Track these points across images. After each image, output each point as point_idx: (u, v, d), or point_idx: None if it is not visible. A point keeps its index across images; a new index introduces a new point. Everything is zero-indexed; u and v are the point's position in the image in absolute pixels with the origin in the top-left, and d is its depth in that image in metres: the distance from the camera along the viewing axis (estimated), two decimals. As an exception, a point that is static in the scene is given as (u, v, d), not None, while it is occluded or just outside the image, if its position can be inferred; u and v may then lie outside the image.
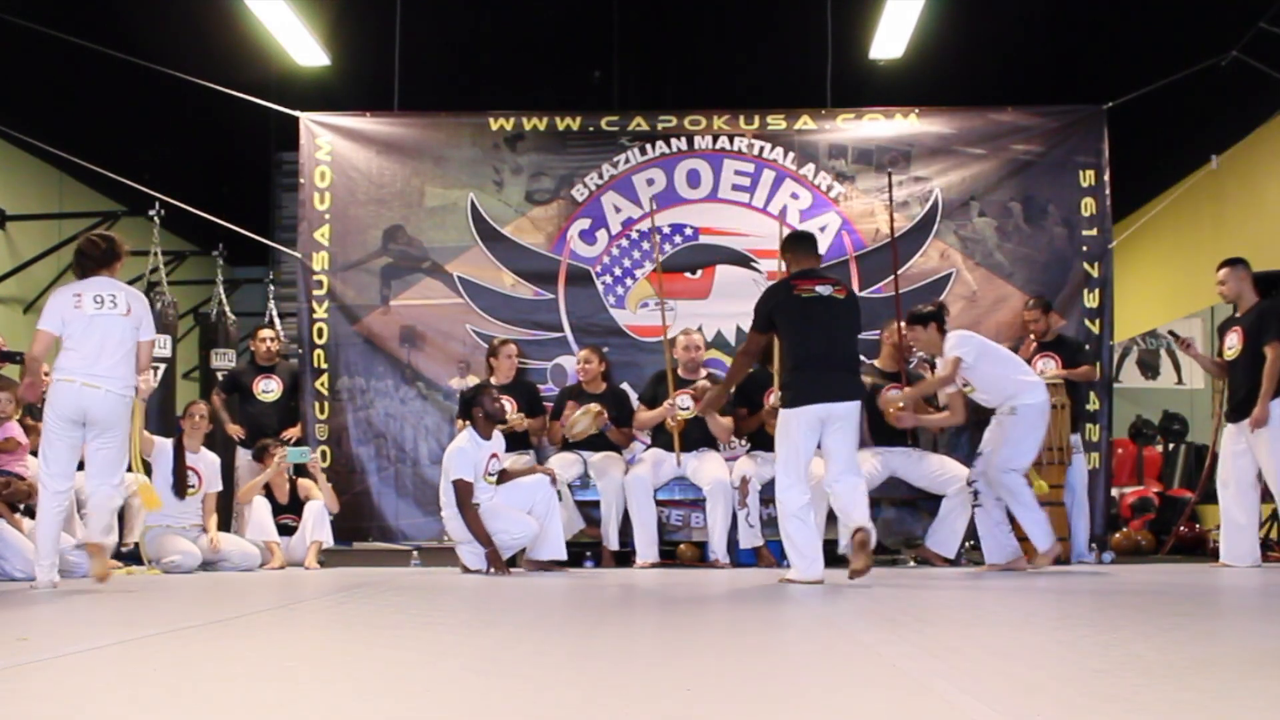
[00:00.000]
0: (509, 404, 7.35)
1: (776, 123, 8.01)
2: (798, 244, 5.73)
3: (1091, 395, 7.70)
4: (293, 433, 7.70)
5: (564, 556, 6.57)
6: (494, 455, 6.45)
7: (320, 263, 7.90)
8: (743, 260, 7.93)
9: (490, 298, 7.87)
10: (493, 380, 7.47)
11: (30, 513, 6.41)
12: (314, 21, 7.83)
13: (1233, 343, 6.75)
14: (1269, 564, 7.14)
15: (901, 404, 6.86)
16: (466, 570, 6.41)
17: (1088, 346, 7.68)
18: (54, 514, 5.26)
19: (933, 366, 7.37)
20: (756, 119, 8.02)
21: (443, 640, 3.10)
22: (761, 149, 7.99)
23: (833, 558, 6.91)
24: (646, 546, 6.92)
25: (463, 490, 6.23)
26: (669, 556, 7.48)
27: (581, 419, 7.00)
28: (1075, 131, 7.94)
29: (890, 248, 7.59)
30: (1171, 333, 7.53)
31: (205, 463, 7.13)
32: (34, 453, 6.99)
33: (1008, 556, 6.28)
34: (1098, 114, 7.92)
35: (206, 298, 10.55)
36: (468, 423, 6.47)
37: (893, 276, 7.43)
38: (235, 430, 7.75)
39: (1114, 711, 1.93)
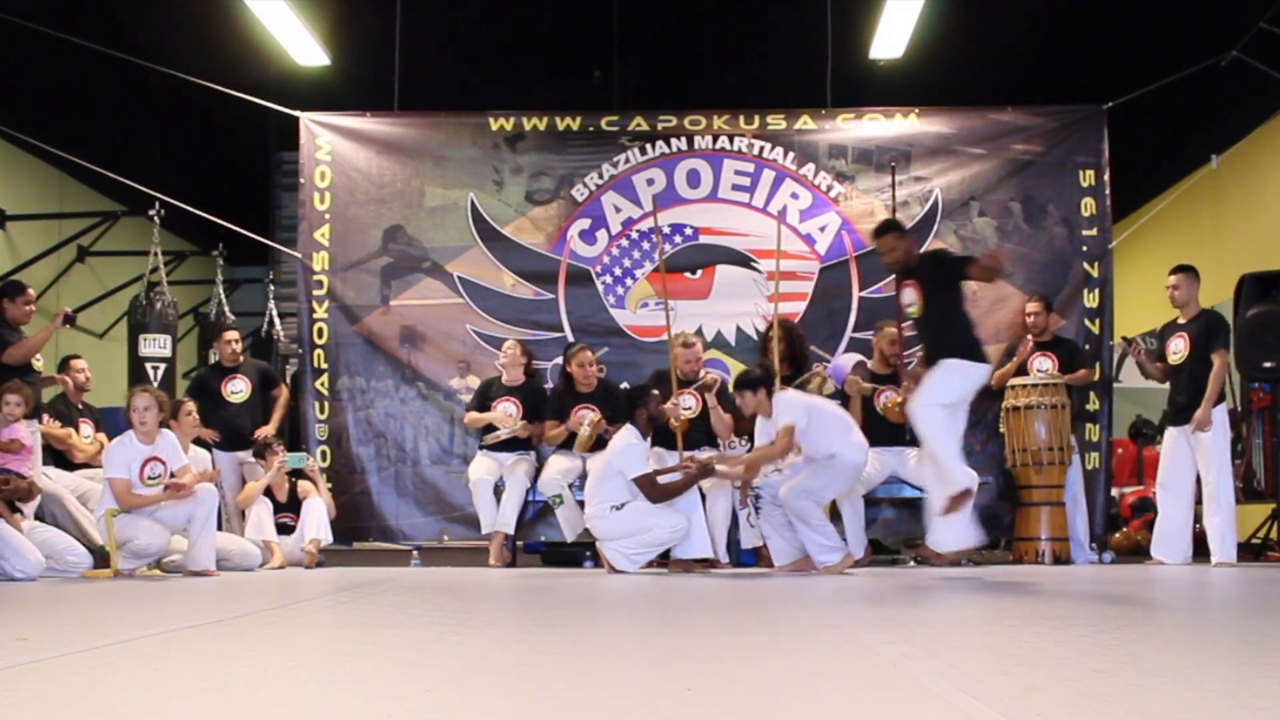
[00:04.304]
0: (513, 406, 7.33)
1: (776, 123, 8.01)
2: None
3: (1091, 395, 7.71)
4: (265, 431, 7.64)
5: (710, 554, 6.51)
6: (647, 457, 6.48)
7: (320, 263, 7.90)
8: (743, 260, 7.93)
9: (490, 298, 7.87)
10: (502, 380, 7.45)
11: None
12: (314, 21, 7.83)
13: (1178, 348, 6.92)
14: (1268, 564, 7.15)
15: (901, 399, 6.88)
16: (613, 570, 6.35)
17: (1087, 347, 7.69)
18: None
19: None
20: (756, 119, 8.02)
21: (443, 640, 3.10)
22: (761, 149, 7.99)
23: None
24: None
25: (646, 481, 6.27)
26: (668, 556, 7.47)
27: (584, 432, 7.02)
28: (1075, 131, 7.94)
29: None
30: (1124, 337, 7.64)
31: (197, 460, 7.13)
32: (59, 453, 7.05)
33: (793, 557, 6.26)
34: (1098, 114, 7.93)
35: (206, 298, 10.56)
36: (628, 423, 6.45)
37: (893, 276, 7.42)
38: (208, 434, 7.68)
39: (1114, 711, 1.93)
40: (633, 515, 6.31)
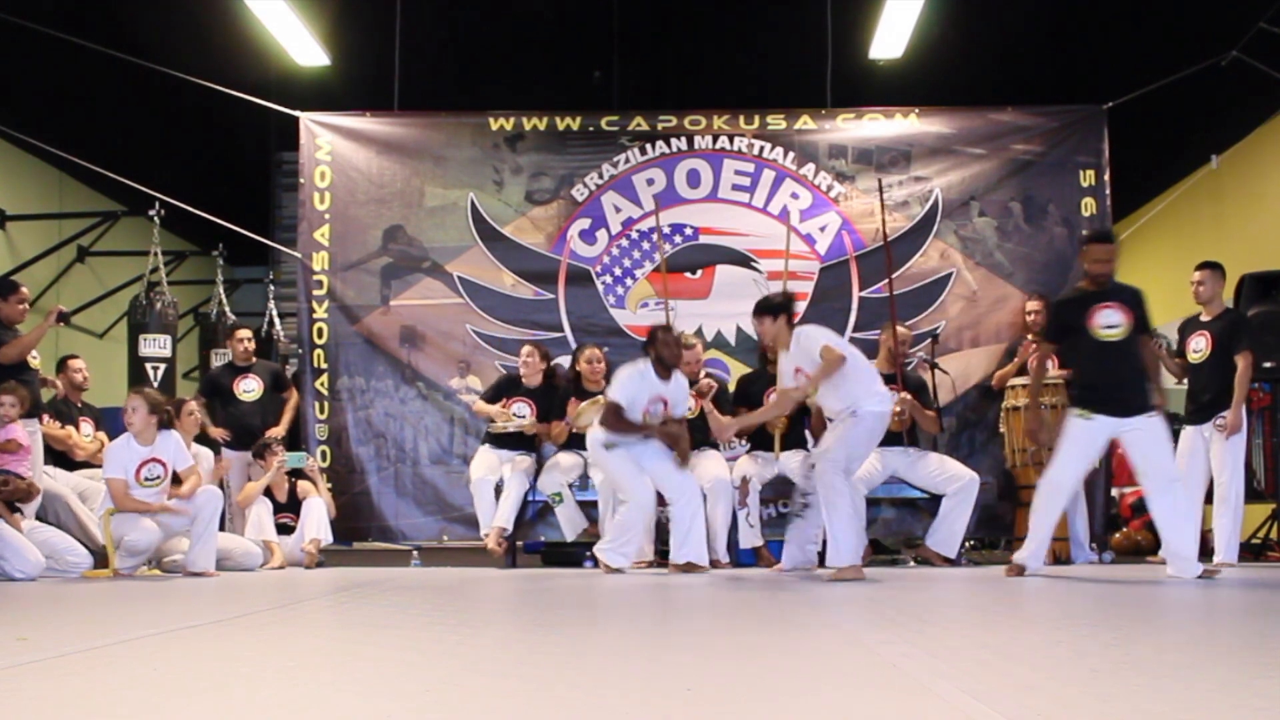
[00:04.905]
0: (527, 408, 7.28)
1: (776, 123, 8.02)
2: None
3: (1091, 395, 7.69)
4: (277, 431, 7.65)
5: (704, 562, 6.32)
6: (661, 399, 6.18)
7: (320, 263, 7.90)
8: (743, 260, 7.93)
9: (490, 298, 7.87)
10: (521, 380, 7.41)
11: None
12: (314, 21, 7.83)
13: (1199, 346, 6.82)
14: (1268, 564, 7.15)
15: (898, 408, 6.88)
16: (610, 569, 6.24)
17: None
18: None
19: (933, 367, 7.37)
20: (756, 119, 8.02)
21: (443, 640, 3.10)
22: (761, 149, 8.00)
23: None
24: (646, 546, 6.89)
25: (612, 408, 6.09)
26: (668, 556, 7.48)
27: (587, 411, 6.98)
28: (1075, 131, 7.95)
29: (893, 246, 7.62)
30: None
31: (201, 458, 7.15)
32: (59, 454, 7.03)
33: (803, 565, 6.16)
34: (1098, 114, 7.94)
35: (206, 298, 10.57)
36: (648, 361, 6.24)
37: (890, 278, 7.43)
38: (219, 433, 7.69)
39: (1114, 711, 1.93)
40: (617, 464, 6.19)
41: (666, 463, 6.31)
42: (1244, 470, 6.83)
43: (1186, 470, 6.85)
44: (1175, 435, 7.42)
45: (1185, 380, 7.04)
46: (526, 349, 7.41)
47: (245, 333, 7.94)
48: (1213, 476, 6.76)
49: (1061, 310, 5.80)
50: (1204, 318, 6.88)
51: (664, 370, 6.21)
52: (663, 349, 6.20)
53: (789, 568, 6.21)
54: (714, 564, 6.92)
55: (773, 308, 5.84)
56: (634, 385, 6.18)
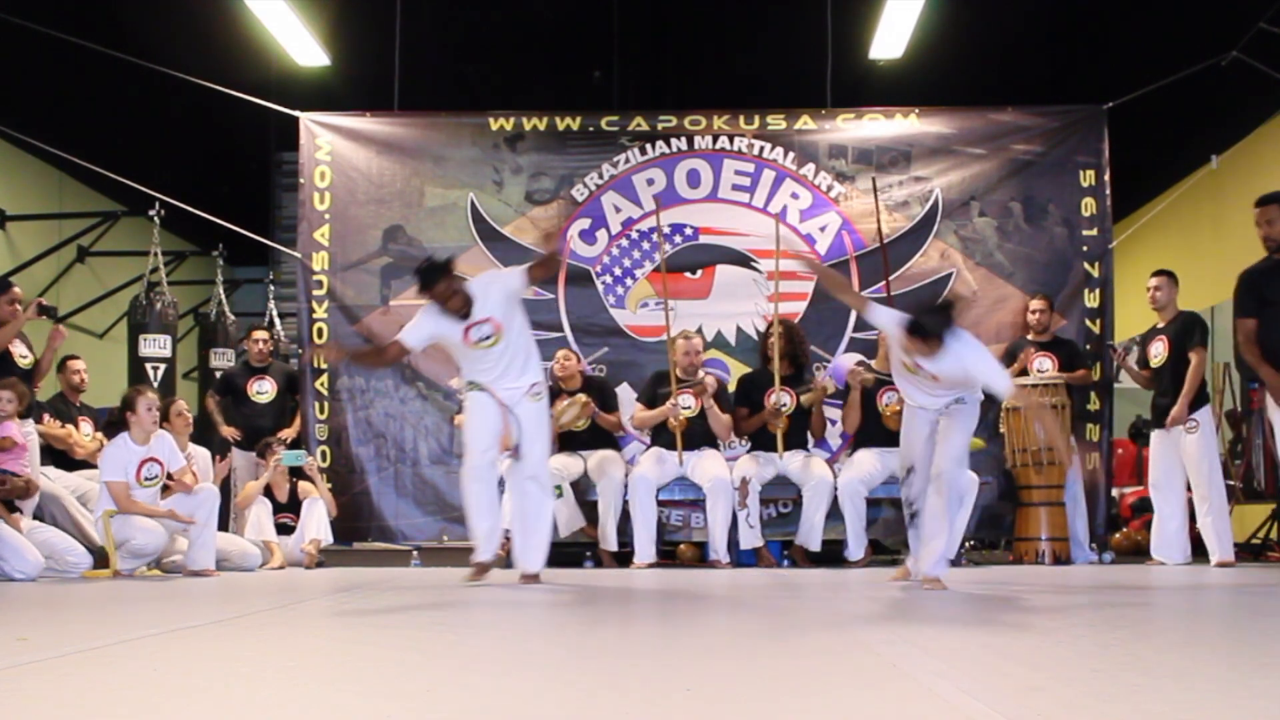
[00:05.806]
0: None
1: (776, 123, 8.01)
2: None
3: (1092, 395, 7.71)
4: (288, 433, 7.68)
5: (538, 568, 5.41)
6: (483, 320, 5.31)
7: (320, 263, 7.90)
8: (743, 260, 7.93)
9: (490, 298, 7.85)
10: None
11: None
12: (314, 21, 7.83)
13: (1158, 351, 6.97)
14: (1268, 564, 7.16)
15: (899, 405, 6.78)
16: (479, 572, 5.57)
17: (1088, 347, 7.69)
18: None
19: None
20: (756, 119, 8.02)
21: (443, 640, 3.10)
22: (761, 149, 7.99)
23: (835, 557, 6.92)
24: (646, 546, 6.87)
25: (392, 346, 5.47)
26: (668, 557, 7.48)
27: (569, 409, 6.98)
28: (1075, 131, 7.94)
29: (893, 246, 7.61)
30: (1109, 344, 7.67)
31: (198, 457, 7.16)
32: (55, 453, 7.01)
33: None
34: (1098, 114, 7.93)
35: (206, 298, 10.56)
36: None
37: (894, 276, 7.43)
38: (230, 432, 7.72)
39: (1114, 711, 1.93)
40: (469, 410, 5.54)
41: (539, 443, 5.47)
42: (1219, 467, 6.91)
43: (1161, 473, 6.93)
44: (1146, 440, 7.45)
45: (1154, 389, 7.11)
46: (563, 353, 7.36)
47: (262, 334, 7.99)
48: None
49: (1257, 281, 5.39)
50: (1159, 324, 7.00)
51: (453, 311, 5.30)
52: (437, 296, 5.30)
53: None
54: (714, 564, 6.94)
55: (940, 330, 4.57)
56: (428, 325, 5.38)
